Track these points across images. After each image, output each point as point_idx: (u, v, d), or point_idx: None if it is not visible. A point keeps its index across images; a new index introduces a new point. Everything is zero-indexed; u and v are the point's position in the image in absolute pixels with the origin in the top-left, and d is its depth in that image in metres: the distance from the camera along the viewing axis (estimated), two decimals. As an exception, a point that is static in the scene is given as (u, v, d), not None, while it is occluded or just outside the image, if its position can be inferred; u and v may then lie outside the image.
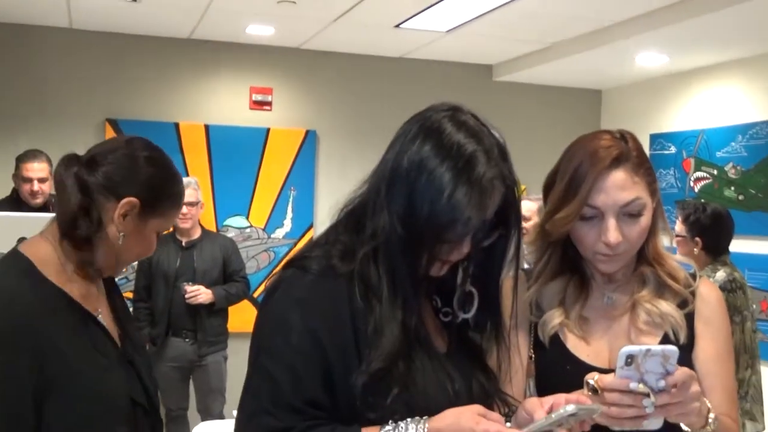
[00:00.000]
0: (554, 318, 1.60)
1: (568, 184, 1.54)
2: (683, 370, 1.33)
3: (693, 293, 1.63)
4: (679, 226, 3.81)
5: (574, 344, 1.59)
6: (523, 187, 6.34)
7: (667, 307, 1.59)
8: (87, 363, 1.54)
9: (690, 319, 1.60)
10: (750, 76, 5.24)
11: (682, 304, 1.61)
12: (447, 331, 1.49)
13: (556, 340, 1.60)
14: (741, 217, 5.13)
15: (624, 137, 1.59)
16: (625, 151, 1.55)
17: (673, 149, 5.82)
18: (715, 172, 5.43)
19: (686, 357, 1.55)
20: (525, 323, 1.63)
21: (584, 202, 1.52)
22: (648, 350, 1.29)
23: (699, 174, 5.58)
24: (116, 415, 1.56)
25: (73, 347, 1.52)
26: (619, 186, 1.52)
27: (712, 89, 5.56)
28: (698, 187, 5.57)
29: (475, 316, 1.47)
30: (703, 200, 3.98)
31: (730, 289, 3.56)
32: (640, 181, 1.55)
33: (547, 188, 1.62)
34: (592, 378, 1.35)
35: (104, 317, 1.64)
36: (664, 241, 1.69)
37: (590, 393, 1.34)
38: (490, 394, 1.46)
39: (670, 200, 5.34)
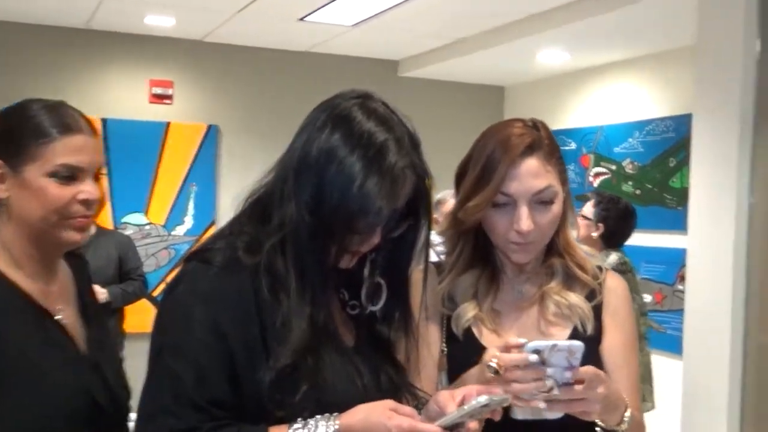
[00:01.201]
0: (468, 311, 1.59)
1: (481, 171, 1.53)
2: (592, 369, 1.34)
3: (601, 285, 1.64)
4: (588, 209, 3.97)
5: (486, 338, 1.58)
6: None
7: (575, 298, 1.60)
8: (37, 359, 1.44)
9: (598, 311, 1.62)
10: (647, 73, 5.41)
11: (590, 295, 1.62)
12: (354, 324, 1.46)
13: (469, 334, 1.59)
14: (638, 211, 5.27)
15: (536, 125, 1.59)
16: (538, 139, 1.55)
17: (573, 145, 5.95)
18: (614, 167, 5.58)
19: (594, 349, 1.56)
20: (437, 316, 1.61)
21: (497, 190, 1.51)
22: (554, 345, 1.29)
23: (598, 169, 5.72)
24: (73, 414, 1.46)
25: (22, 342, 1.43)
26: (532, 173, 1.52)
27: (610, 86, 5.71)
28: (597, 182, 5.72)
29: (384, 309, 1.45)
30: (614, 195, 4.23)
31: (622, 270, 3.73)
32: (552, 169, 1.56)
33: (460, 177, 1.61)
34: (492, 359, 1.34)
35: (67, 316, 1.54)
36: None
37: (492, 374, 1.33)
38: (398, 388, 1.44)
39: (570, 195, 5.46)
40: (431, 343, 1.59)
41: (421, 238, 1.43)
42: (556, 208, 1.56)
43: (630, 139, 5.45)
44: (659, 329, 5.11)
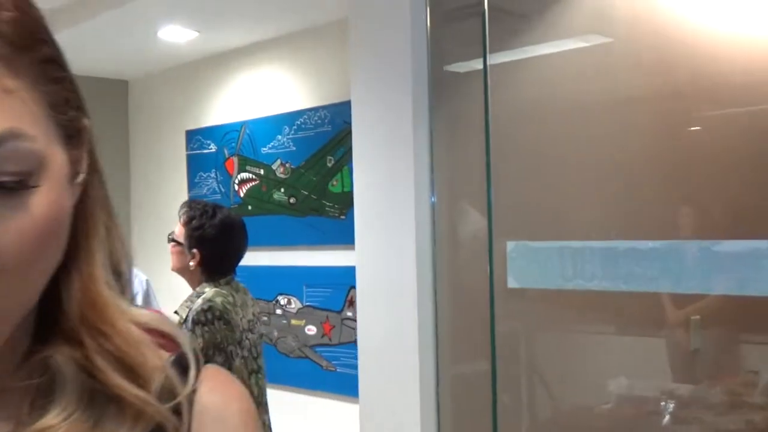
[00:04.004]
0: None
1: None
2: None
3: (182, 406, 0.65)
4: (179, 229, 2.87)
5: None
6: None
7: None
8: None
9: None
10: (292, 56, 4.50)
11: None
12: None
13: None
14: (294, 224, 4.38)
15: None
16: None
17: (213, 147, 4.89)
18: (262, 171, 4.61)
19: None
20: None
21: None
22: None
23: (244, 175, 4.71)
24: None
25: None
26: None
27: (252, 73, 4.73)
28: (244, 191, 4.70)
29: None
30: (214, 203, 3.01)
31: (204, 321, 2.65)
32: (26, 86, 0.57)
33: None
34: None
35: None
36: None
37: None
38: None
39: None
40: None
41: None
42: (43, 201, 0.57)
43: (279, 136, 4.51)
44: (329, 368, 4.21)
